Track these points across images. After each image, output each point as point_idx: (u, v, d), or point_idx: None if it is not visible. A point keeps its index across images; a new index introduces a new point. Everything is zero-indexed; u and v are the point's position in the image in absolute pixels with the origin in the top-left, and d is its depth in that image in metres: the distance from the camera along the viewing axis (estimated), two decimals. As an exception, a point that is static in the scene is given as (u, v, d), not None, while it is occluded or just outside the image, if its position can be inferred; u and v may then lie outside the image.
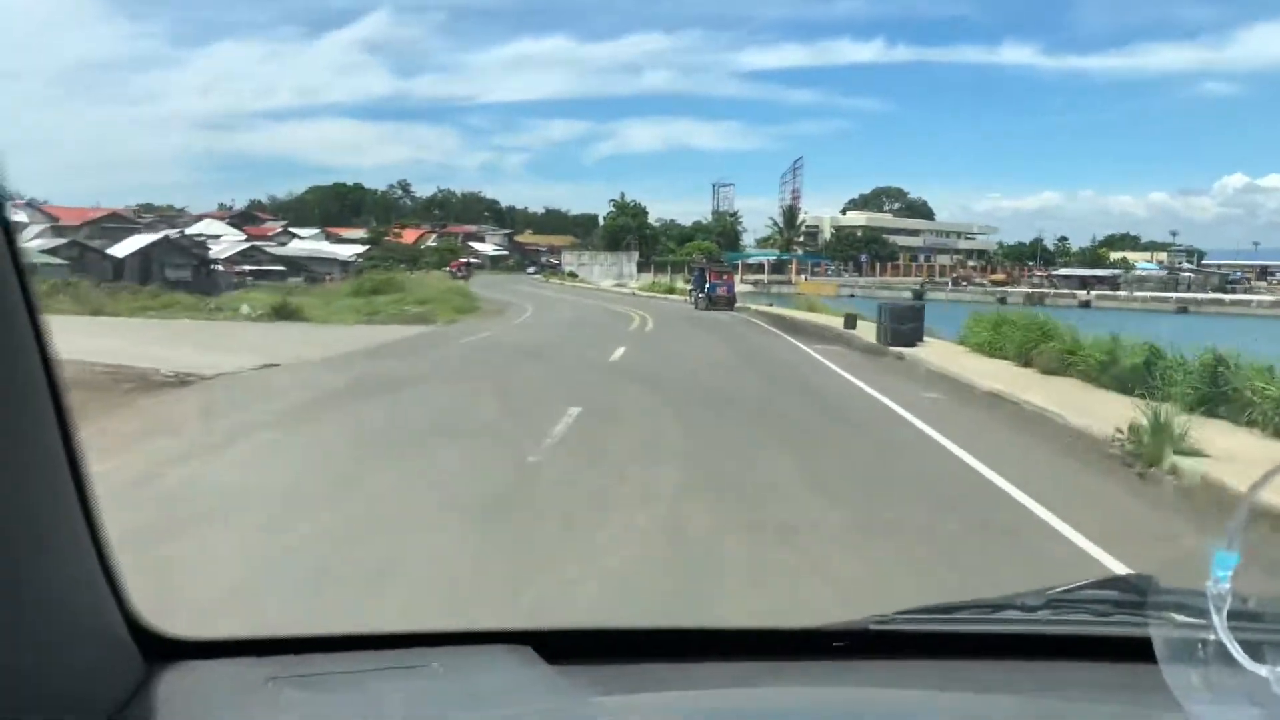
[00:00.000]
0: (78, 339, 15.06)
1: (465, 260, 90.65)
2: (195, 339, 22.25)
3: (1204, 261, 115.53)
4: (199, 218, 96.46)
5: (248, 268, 67.51)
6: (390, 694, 1.33)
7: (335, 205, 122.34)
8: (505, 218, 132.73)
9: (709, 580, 5.12)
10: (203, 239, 76.21)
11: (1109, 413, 10.71)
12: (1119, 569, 5.17)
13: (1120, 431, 8.84)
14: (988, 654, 1.59)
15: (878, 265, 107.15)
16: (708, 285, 44.28)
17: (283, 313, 30.20)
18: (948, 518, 6.79)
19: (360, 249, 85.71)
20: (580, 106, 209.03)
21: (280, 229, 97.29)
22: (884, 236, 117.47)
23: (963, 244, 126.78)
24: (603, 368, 16.76)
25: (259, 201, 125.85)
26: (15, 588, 0.98)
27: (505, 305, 43.62)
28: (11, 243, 0.97)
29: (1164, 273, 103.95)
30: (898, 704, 1.43)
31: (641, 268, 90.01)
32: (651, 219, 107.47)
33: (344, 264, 75.45)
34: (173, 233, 72.19)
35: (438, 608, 4.53)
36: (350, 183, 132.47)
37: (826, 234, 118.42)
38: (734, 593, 4.91)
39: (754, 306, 42.63)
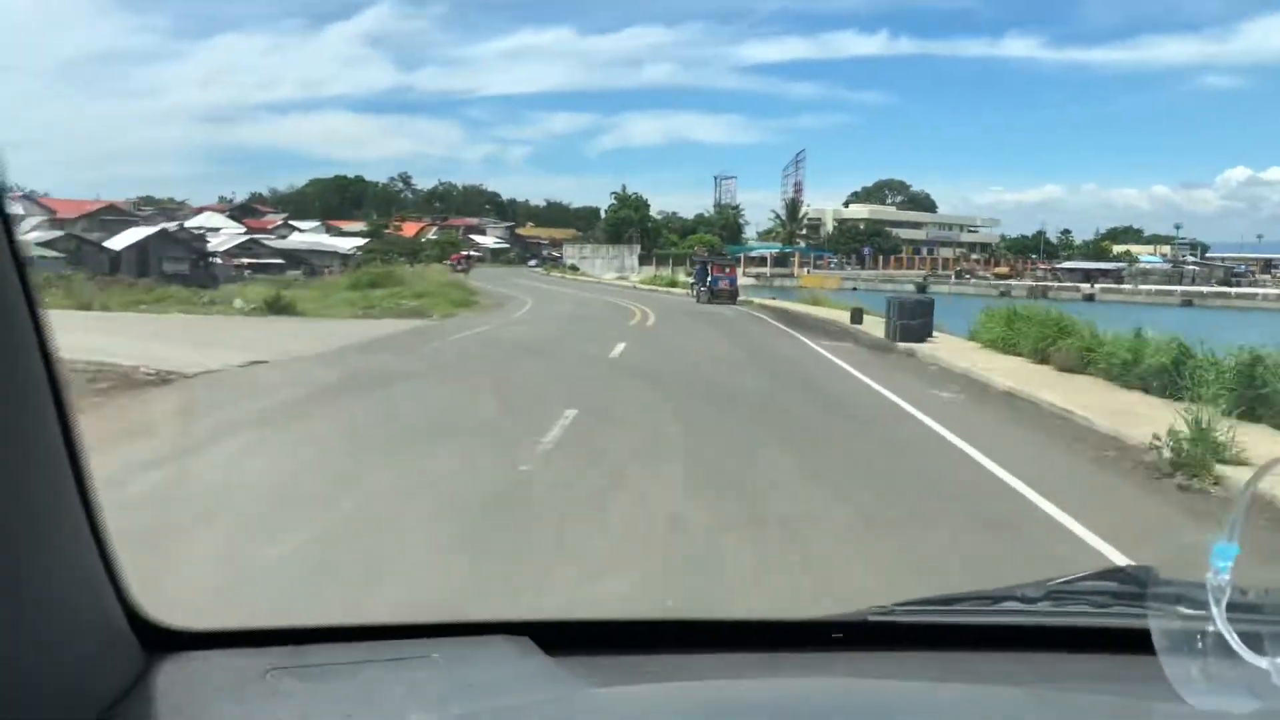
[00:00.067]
0: (62, 335, 14.03)
1: (465, 253, 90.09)
2: (184, 334, 21.68)
3: (1207, 255, 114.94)
4: (199, 210, 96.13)
5: (246, 261, 66.95)
6: (389, 685, 1.32)
7: (336, 198, 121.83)
8: (507, 210, 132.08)
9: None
10: (202, 232, 75.67)
11: (1139, 416, 10.12)
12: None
13: (1158, 438, 8.19)
14: (987, 645, 1.58)
15: (880, 258, 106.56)
16: (710, 279, 43.66)
17: (276, 307, 29.53)
18: (982, 539, 6.17)
19: (360, 242, 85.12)
20: (582, 99, 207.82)
21: (280, 222, 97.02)
22: (887, 229, 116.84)
23: (965, 237, 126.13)
24: (602, 364, 16.14)
25: (260, 194, 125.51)
26: (15, 580, 0.98)
27: (504, 299, 42.97)
28: (11, 237, 0.97)
29: (1168, 266, 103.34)
30: (896, 695, 1.41)
31: (643, 261, 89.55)
32: (653, 212, 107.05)
33: (344, 257, 74.84)
34: (171, 226, 71.57)
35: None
36: (351, 175, 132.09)
37: (829, 227, 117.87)
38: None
39: (757, 300, 42.02)
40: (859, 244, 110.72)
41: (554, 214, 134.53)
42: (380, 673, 1.35)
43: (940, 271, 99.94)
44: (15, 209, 1.01)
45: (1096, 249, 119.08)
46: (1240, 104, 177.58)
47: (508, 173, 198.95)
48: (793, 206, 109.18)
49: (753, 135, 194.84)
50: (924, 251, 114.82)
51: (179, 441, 8.88)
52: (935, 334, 21.24)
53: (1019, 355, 17.15)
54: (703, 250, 72.67)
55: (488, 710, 1.28)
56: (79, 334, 16.09)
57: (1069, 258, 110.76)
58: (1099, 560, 5.67)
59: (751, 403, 11.86)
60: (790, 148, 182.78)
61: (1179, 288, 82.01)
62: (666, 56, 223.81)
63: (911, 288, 79.90)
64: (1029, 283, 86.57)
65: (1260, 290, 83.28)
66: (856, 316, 25.96)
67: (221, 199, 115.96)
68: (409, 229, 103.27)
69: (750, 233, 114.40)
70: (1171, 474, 7.79)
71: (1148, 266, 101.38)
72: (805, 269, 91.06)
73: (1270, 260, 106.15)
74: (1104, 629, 1.58)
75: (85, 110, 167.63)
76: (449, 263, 79.18)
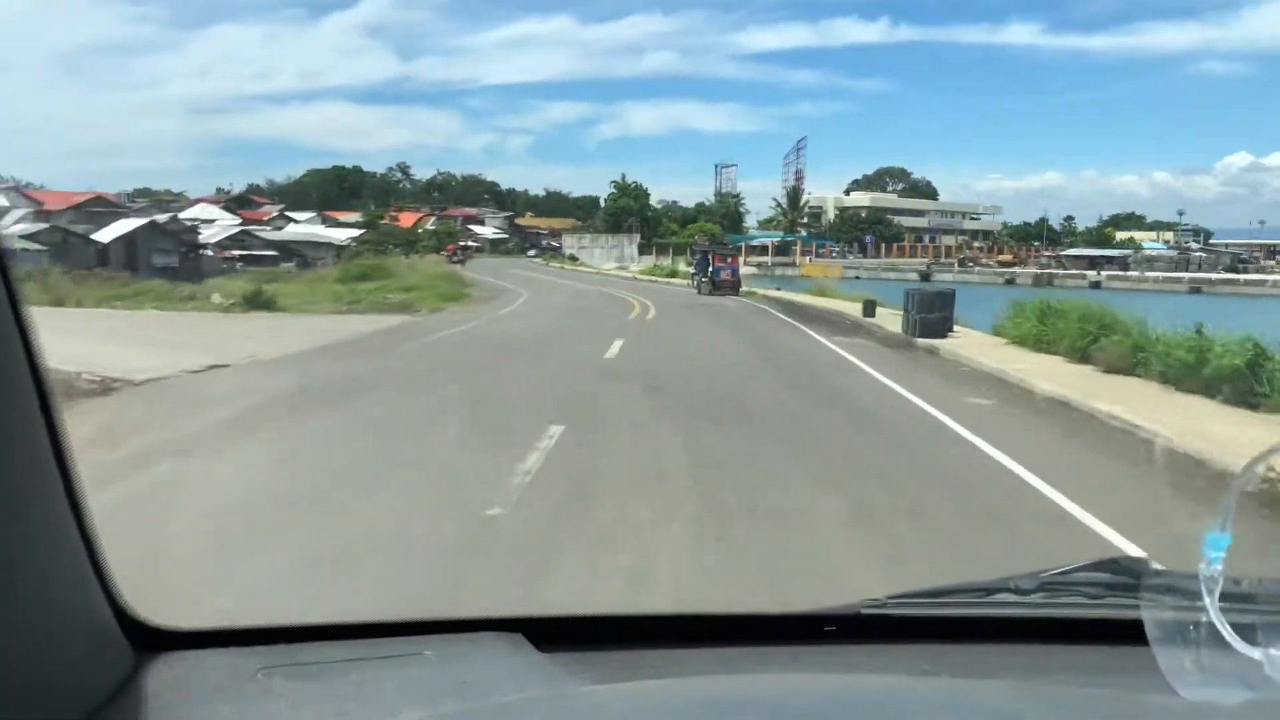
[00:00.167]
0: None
1: (462, 244, 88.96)
2: (149, 334, 20.23)
3: (1210, 241, 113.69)
4: (194, 202, 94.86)
5: (238, 253, 65.77)
6: (382, 682, 1.31)
7: (334, 188, 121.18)
8: (506, 200, 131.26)
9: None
10: (193, 224, 74.23)
11: (1220, 432, 8.58)
12: None
13: (1273, 470, 6.62)
14: (981, 638, 1.57)
15: (883, 247, 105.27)
16: (711, 269, 42.13)
17: (256, 302, 28.01)
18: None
19: (356, 233, 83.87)
20: (582, 88, 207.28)
21: (276, 213, 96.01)
22: (888, 217, 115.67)
23: (968, 224, 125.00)
24: (596, 368, 14.59)
25: (256, 186, 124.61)
26: (3, 581, 0.97)
27: (498, 291, 41.45)
28: None
29: (1174, 252, 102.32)
30: (889, 688, 1.39)
31: (643, 250, 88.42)
32: (653, 201, 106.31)
33: (339, 248, 73.67)
34: (161, 218, 70.07)
35: None
36: (350, 166, 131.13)
37: (830, 215, 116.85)
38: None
39: (760, 291, 40.39)
40: (861, 232, 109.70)
41: (553, 204, 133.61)
42: (372, 671, 1.33)
43: (943, 260, 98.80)
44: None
45: (1099, 236, 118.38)
46: (1240, 90, 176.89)
47: (507, 162, 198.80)
48: (794, 195, 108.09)
49: (753, 123, 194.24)
50: (926, 239, 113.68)
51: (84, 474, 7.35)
52: (955, 328, 19.69)
53: (1054, 353, 15.60)
54: (703, 239, 71.23)
55: (481, 707, 1.26)
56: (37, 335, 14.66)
57: (1072, 245, 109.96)
58: None
59: (767, 418, 10.27)
60: (790, 136, 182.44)
61: (1186, 274, 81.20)
62: (666, 45, 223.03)
63: (915, 276, 79.16)
64: (1033, 270, 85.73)
65: (1269, 276, 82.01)
66: (869, 309, 24.38)
67: (219, 190, 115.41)
68: (406, 219, 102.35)
69: (751, 221, 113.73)
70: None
71: (1153, 253, 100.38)
72: (807, 258, 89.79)
73: (1273, 246, 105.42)
74: (1097, 620, 1.57)
75: (83, 102, 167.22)
76: (445, 253, 78.03)
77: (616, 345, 17.65)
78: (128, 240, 58.22)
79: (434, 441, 8.69)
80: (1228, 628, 1.06)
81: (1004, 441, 8.68)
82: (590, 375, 13.62)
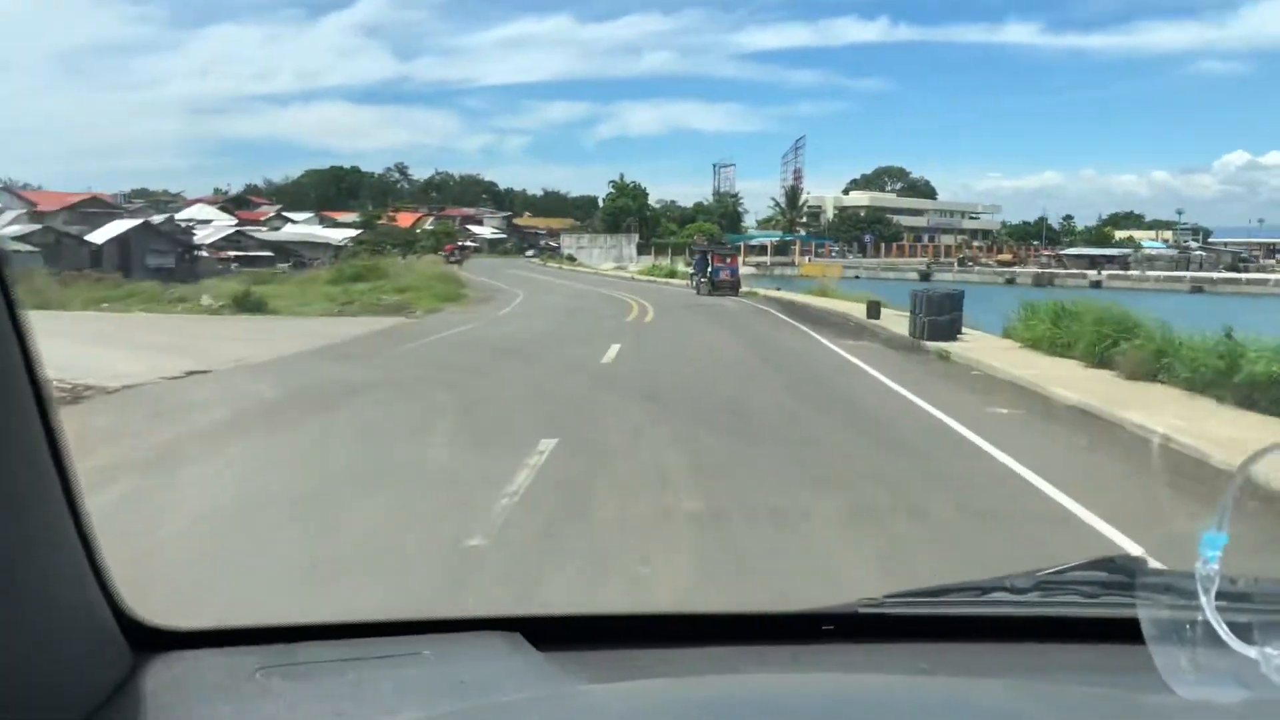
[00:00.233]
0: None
1: (460, 244, 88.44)
2: (132, 337, 19.65)
3: (1210, 240, 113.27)
4: (191, 203, 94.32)
5: (233, 253, 65.10)
6: (380, 682, 1.31)
7: (332, 189, 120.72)
8: (504, 200, 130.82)
9: None
10: (189, 224, 73.65)
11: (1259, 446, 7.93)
12: None
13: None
14: (977, 636, 1.57)
15: (882, 246, 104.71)
16: (710, 269, 41.48)
17: (245, 304, 27.37)
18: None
19: (353, 233, 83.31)
20: (580, 88, 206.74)
21: (273, 213, 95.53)
22: (887, 216, 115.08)
23: (967, 224, 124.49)
24: (592, 373, 13.96)
25: (254, 186, 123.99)
26: (2, 581, 0.98)
27: (494, 292, 40.82)
28: None
29: (1174, 251, 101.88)
30: (886, 687, 1.39)
31: (642, 250, 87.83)
32: (652, 200, 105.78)
33: (335, 249, 73.10)
34: (156, 218, 69.46)
35: None
36: (347, 166, 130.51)
37: (829, 214, 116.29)
38: None
39: (761, 291, 39.76)
40: (860, 231, 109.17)
41: (551, 203, 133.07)
42: (370, 670, 1.33)
43: (943, 259, 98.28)
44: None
45: (1099, 235, 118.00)
46: (1238, 89, 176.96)
47: (505, 162, 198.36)
48: (793, 194, 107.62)
49: (751, 123, 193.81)
50: (925, 239, 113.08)
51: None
52: (963, 330, 19.05)
53: (1069, 358, 14.97)
54: (702, 239, 70.58)
55: (478, 707, 1.26)
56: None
57: (1071, 244, 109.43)
58: None
59: (775, 428, 9.65)
60: (789, 136, 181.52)
61: (1187, 274, 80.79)
62: (665, 44, 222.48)
63: (915, 275, 78.62)
64: (1033, 269, 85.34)
65: (1271, 275, 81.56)
66: (873, 310, 23.73)
67: (217, 191, 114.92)
68: (404, 219, 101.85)
69: (750, 221, 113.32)
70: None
71: (1153, 252, 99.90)
72: (806, 257, 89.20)
73: (1273, 245, 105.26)
74: (1094, 619, 1.57)
75: (83, 102, 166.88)
76: (443, 254, 77.51)
77: (614, 349, 17.01)
78: (121, 241, 57.58)
79: (415, 458, 8.04)
80: (1224, 626, 1.05)
81: (1034, 459, 8.01)
82: (586, 381, 12.99)
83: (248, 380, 13.18)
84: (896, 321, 21.97)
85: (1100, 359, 13.90)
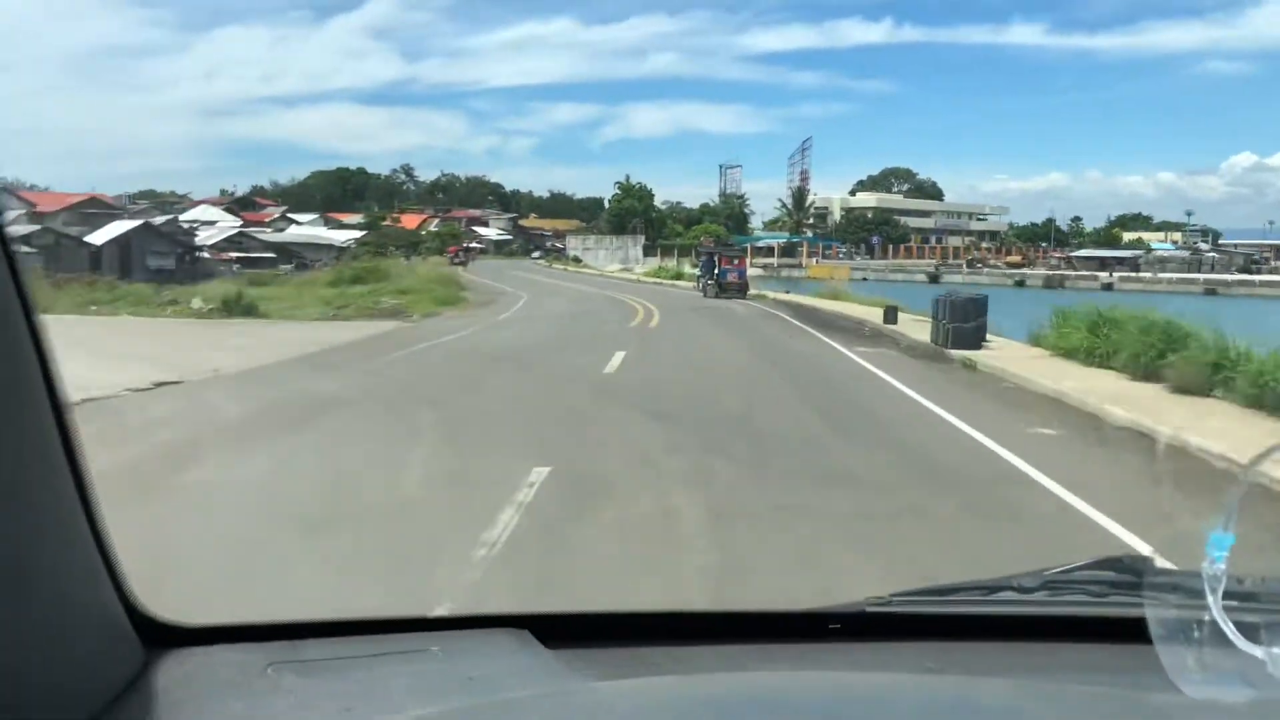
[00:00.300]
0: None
1: (464, 245, 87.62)
2: (110, 344, 18.60)
3: (1220, 242, 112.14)
4: (197, 204, 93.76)
5: (235, 255, 64.25)
6: (389, 679, 1.31)
7: (338, 190, 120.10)
8: (510, 202, 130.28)
9: None
10: (191, 225, 72.93)
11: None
12: None
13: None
14: (984, 635, 1.57)
15: (889, 247, 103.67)
16: (717, 271, 40.39)
17: (236, 308, 26.32)
18: None
19: (357, 234, 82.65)
20: (586, 90, 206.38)
21: (278, 214, 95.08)
22: (894, 218, 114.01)
23: (974, 225, 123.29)
24: (594, 385, 12.86)
25: (261, 187, 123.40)
26: (15, 577, 0.98)
27: (497, 295, 39.75)
28: (4, 236, 0.99)
29: (1185, 253, 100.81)
30: (893, 686, 1.38)
31: (648, 252, 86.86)
32: (658, 202, 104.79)
33: (339, 250, 72.35)
34: (157, 219, 68.64)
35: None
36: (354, 167, 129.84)
37: (836, 215, 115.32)
38: None
39: (770, 294, 38.63)
40: (867, 233, 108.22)
41: (557, 205, 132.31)
42: (380, 667, 1.33)
43: (951, 261, 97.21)
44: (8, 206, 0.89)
45: (1107, 236, 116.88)
46: (1245, 90, 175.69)
47: (511, 164, 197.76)
48: (799, 195, 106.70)
49: (758, 124, 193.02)
50: (933, 240, 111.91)
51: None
52: (989, 337, 17.93)
53: (1108, 368, 13.87)
54: (709, 240, 69.54)
55: (487, 703, 1.25)
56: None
57: (1080, 246, 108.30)
58: None
59: (801, 457, 8.48)
60: (795, 137, 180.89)
61: (1200, 276, 79.81)
62: (670, 46, 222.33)
63: (923, 277, 77.68)
64: (1043, 271, 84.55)
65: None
66: (890, 315, 22.63)
67: (223, 192, 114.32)
68: (409, 221, 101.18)
69: (756, 222, 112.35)
70: None
71: (1165, 254, 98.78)
72: (813, 259, 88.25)
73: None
74: (1100, 618, 1.56)
75: (92, 104, 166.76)
76: (447, 255, 76.73)
77: (618, 357, 15.90)
78: (121, 242, 56.83)
79: (381, 494, 6.93)
80: (1231, 626, 1.05)
81: (1110, 500, 6.79)
82: (586, 395, 11.89)
83: (217, 393, 12.15)
84: (914, 327, 20.93)
85: (1146, 371, 12.77)
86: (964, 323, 17.21)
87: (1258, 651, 1.04)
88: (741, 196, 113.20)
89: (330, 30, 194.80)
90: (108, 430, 9.55)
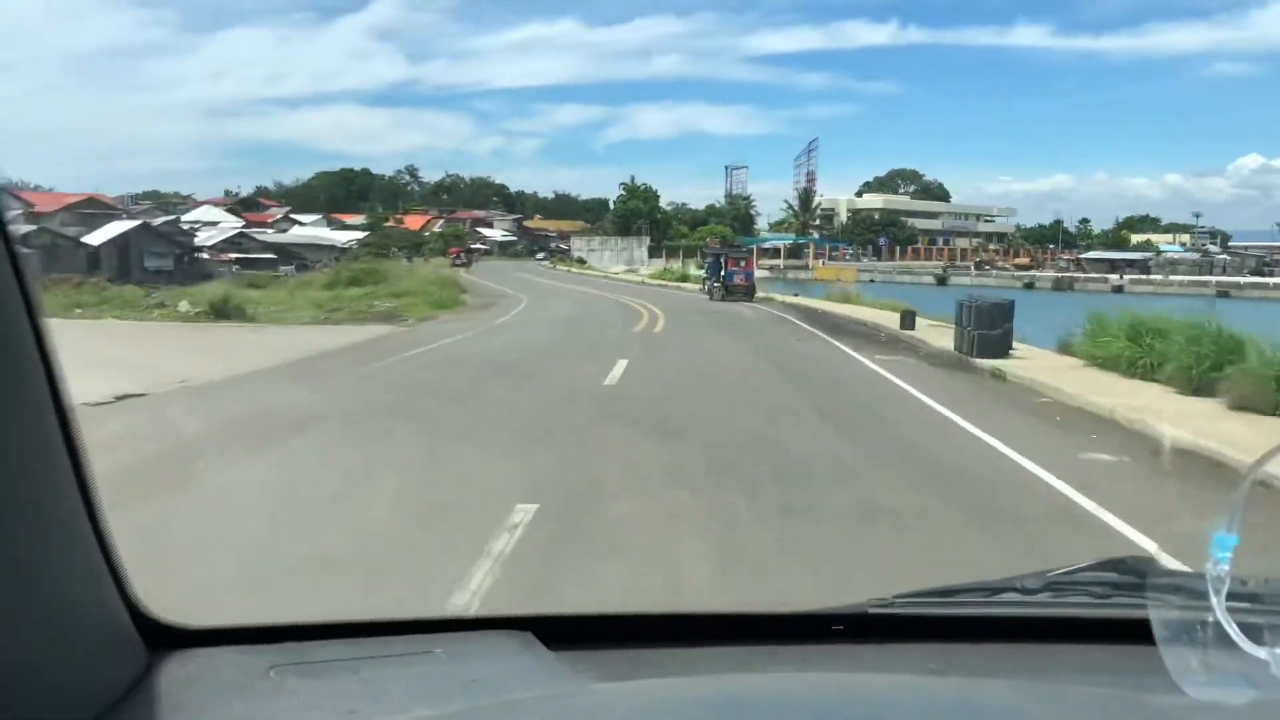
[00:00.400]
0: None
1: (467, 246, 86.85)
2: (83, 350, 17.43)
3: (1230, 244, 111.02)
4: (200, 204, 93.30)
5: (235, 256, 63.54)
6: (392, 681, 1.31)
7: (342, 191, 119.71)
8: (515, 203, 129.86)
9: None
10: (192, 226, 72.34)
11: None
12: None
13: None
14: (987, 637, 1.56)
15: (897, 249, 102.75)
16: (724, 273, 39.37)
17: (222, 311, 25.29)
18: None
19: (359, 235, 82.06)
20: (591, 91, 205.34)
21: (281, 215, 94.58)
22: (901, 219, 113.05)
23: (981, 227, 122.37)
24: (593, 398, 11.77)
25: (265, 188, 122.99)
26: (18, 578, 0.98)
27: (498, 297, 38.74)
28: (8, 236, 0.98)
29: (1195, 255, 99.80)
30: (895, 687, 1.37)
31: (653, 253, 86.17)
32: (663, 203, 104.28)
33: (341, 251, 71.67)
34: (156, 220, 67.93)
35: None
36: (358, 168, 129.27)
37: (842, 217, 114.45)
38: None
39: (778, 297, 37.59)
40: (874, 234, 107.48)
41: (562, 206, 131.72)
42: (382, 669, 1.33)
43: (959, 262, 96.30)
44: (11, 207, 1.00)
45: (1115, 238, 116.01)
46: (1251, 91, 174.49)
47: (516, 165, 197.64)
48: (805, 196, 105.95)
49: (763, 125, 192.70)
50: (940, 242, 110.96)
51: None
52: (1015, 344, 16.84)
53: (1153, 380, 12.78)
54: (715, 241, 68.76)
55: (490, 705, 1.26)
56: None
57: (1088, 247, 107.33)
58: None
59: (829, 490, 7.30)
60: (801, 138, 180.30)
61: (1213, 278, 78.55)
62: (675, 47, 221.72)
63: (931, 279, 76.79)
64: (1052, 273, 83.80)
65: (1301, 281, 79.26)
66: (907, 320, 21.56)
67: (227, 193, 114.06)
68: (412, 222, 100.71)
69: (762, 224, 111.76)
70: None
71: (1175, 256, 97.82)
72: (820, 260, 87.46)
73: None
74: (1104, 620, 1.54)
75: (96, 105, 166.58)
76: (449, 256, 76.00)
77: (620, 366, 14.83)
78: (119, 243, 56.27)
79: (338, 536, 5.87)
80: (1234, 627, 1.05)
81: (1179, 541, 5.80)
82: (584, 411, 10.80)
83: (181, 408, 11.13)
84: (932, 332, 19.89)
85: (1197, 385, 11.68)
86: (990, 329, 16.13)
87: (1261, 653, 1.03)
88: (747, 198, 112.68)
89: (335, 31, 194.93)
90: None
